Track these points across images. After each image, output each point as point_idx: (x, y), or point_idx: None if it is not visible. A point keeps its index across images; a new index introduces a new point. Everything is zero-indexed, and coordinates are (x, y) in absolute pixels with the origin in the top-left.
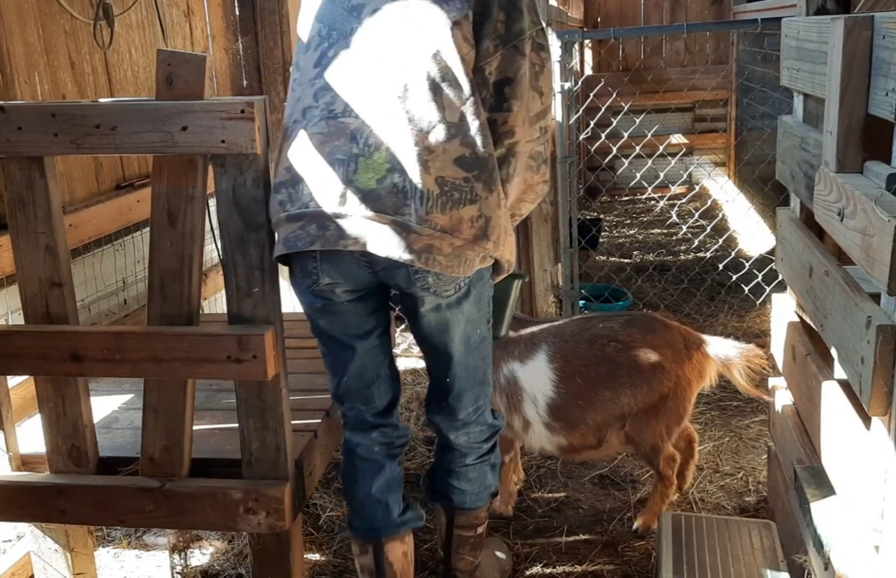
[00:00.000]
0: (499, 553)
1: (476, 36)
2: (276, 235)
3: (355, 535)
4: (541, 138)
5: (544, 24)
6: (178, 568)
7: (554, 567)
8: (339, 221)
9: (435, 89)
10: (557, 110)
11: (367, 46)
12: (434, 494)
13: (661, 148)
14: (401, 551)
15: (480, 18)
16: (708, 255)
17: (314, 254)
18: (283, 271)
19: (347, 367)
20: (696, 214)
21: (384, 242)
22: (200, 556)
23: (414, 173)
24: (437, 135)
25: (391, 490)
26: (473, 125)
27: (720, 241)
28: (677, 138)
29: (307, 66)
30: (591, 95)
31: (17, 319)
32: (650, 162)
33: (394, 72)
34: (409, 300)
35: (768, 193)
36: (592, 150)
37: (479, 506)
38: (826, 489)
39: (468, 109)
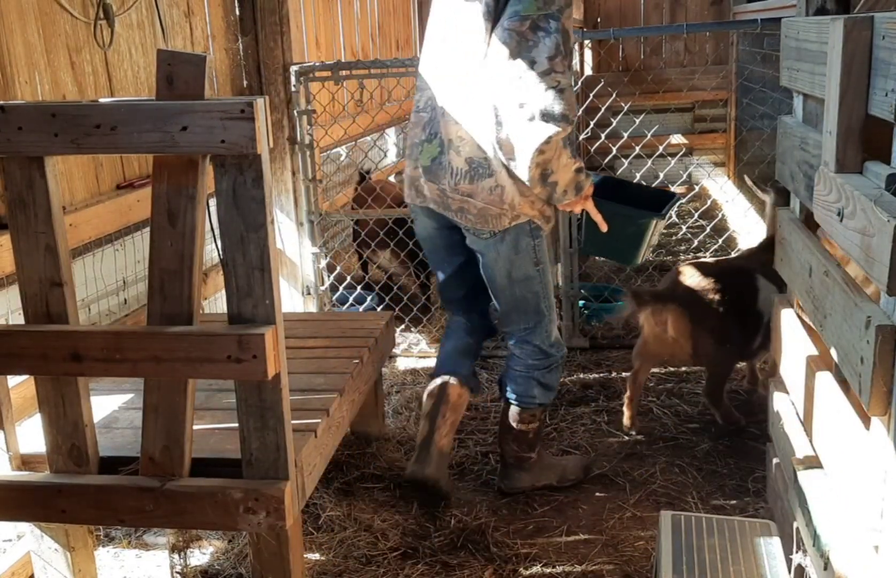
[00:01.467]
0: (572, 470)
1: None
2: None
3: (432, 377)
4: (530, 100)
5: (553, 11)
6: (178, 568)
7: (554, 567)
8: (418, 187)
9: (469, 97)
10: None
11: (437, 55)
12: (500, 387)
13: (661, 148)
14: (457, 392)
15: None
16: (708, 255)
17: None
18: (283, 272)
19: (439, 277)
20: (696, 215)
21: (436, 203)
22: (200, 556)
23: (446, 157)
24: (467, 126)
25: (461, 355)
26: (491, 117)
27: (720, 241)
28: (677, 139)
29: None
30: (591, 95)
31: (18, 318)
32: (650, 162)
33: (446, 79)
34: (456, 242)
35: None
36: (592, 150)
37: (521, 406)
38: (825, 489)
39: (489, 106)
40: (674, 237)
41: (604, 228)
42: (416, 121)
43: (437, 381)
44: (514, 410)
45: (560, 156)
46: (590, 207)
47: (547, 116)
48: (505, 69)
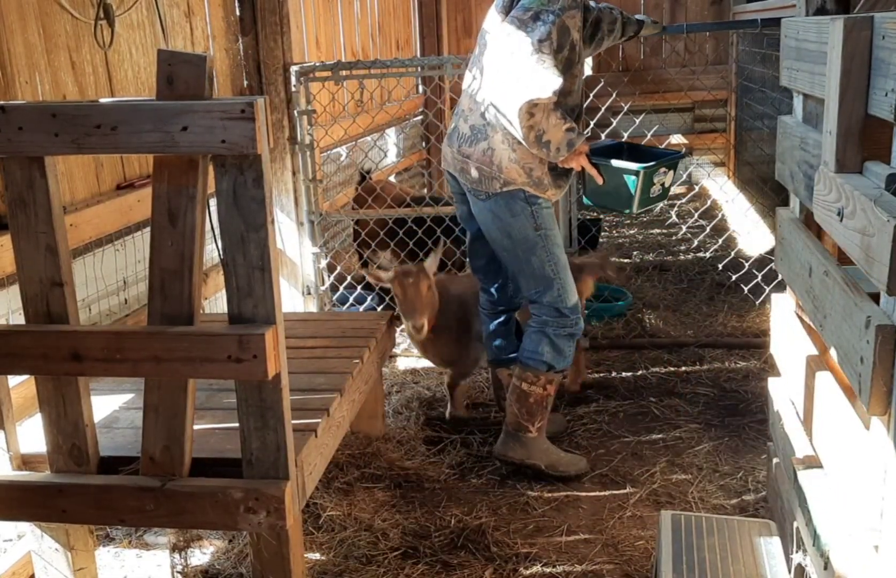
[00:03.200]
0: (566, 465)
1: None
2: None
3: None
4: (520, 72)
5: (556, 8)
6: (179, 568)
7: (554, 567)
8: (444, 152)
9: (483, 77)
10: None
11: (477, 53)
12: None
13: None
14: (505, 373)
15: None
16: (707, 255)
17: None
18: (283, 272)
19: (468, 244)
20: (696, 215)
21: (451, 165)
22: (201, 555)
23: (460, 123)
24: (478, 99)
25: (497, 336)
26: (492, 87)
27: (720, 241)
28: (677, 139)
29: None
30: (591, 95)
31: (18, 318)
32: None
33: (472, 67)
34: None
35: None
36: None
37: (528, 362)
38: (825, 488)
39: (490, 78)
40: (674, 237)
41: (599, 180)
42: (459, 102)
43: (494, 371)
44: (520, 367)
45: (549, 118)
46: (584, 162)
47: (531, 86)
48: (503, 45)
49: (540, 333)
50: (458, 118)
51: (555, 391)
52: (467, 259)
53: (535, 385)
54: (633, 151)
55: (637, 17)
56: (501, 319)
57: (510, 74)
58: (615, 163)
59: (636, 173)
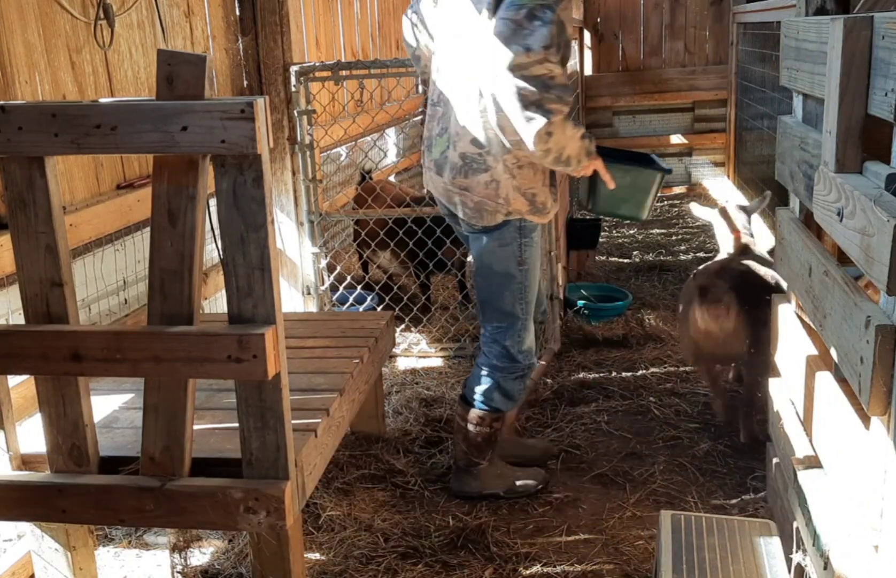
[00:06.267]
0: (522, 480)
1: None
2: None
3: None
4: (527, 84)
5: (550, 2)
6: (179, 568)
7: (554, 567)
8: (431, 179)
9: (468, 94)
10: None
11: (445, 50)
12: (464, 386)
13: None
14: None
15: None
16: (708, 255)
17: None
18: (283, 272)
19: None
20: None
21: (441, 194)
22: (200, 555)
23: (450, 151)
24: (463, 122)
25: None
26: (489, 105)
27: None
28: (677, 138)
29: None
30: (592, 95)
31: (18, 319)
32: None
33: (452, 74)
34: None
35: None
36: None
37: (477, 406)
38: (825, 488)
39: (487, 96)
40: (674, 237)
41: (611, 185)
42: (431, 114)
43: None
44: (466, 408)
45: (565, 131)
46: (599, 166)
47: (544, 105)
48: (501, 57)
49: (489, 377)
50: (444, 143)
51: (502, 425)
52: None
53: (481, 426)
54: (602, 152)
55: None
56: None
57: (516, 97)
58: (628, 166)
59: (654, 174)
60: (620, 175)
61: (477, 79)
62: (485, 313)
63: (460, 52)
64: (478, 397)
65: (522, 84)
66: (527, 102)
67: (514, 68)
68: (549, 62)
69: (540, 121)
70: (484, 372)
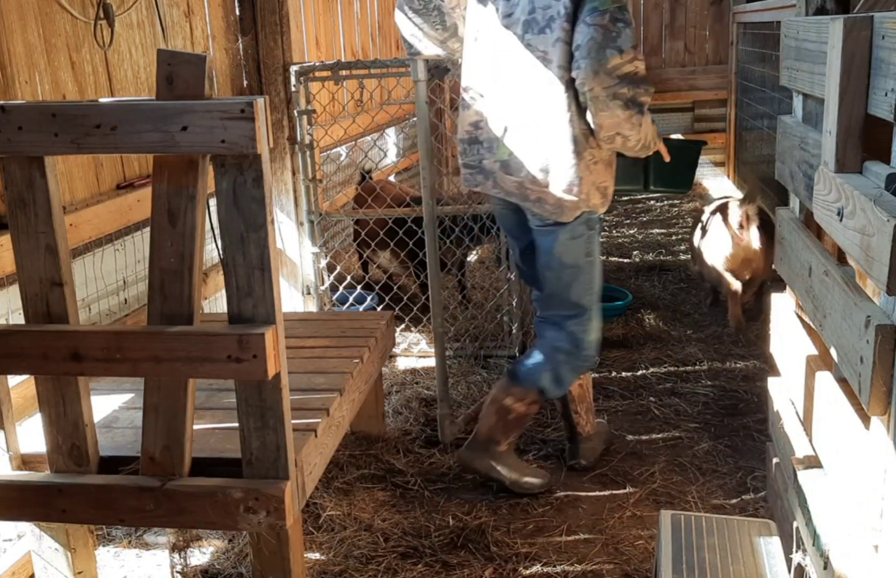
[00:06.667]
0: (529, 478)
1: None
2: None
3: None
4: (621, 83)
5: (623, 3)
6: (179, 567)
7: (553, 567)
8: (495, 179)
9: (550, 98)
10: None
11: (498, 56)
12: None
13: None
14: (576, 385)
15: (576, 12)
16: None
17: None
18: (283, 271)
19: (516, 254)
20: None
21: (512, 194)
22: (200, 555)
23: (525, 152)
24: (545, 125)
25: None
26: (560, 109)
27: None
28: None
29: (469, 59)
30: None
31: (18, 318)
32: None
33: (525, 86)
34: (526, 224)
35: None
36: None
37: (521, 382)
38: (825, 488)
39: (558, 99)
40: (674, 237)
41: (667, 158)
42: (484, 117)
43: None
44: (510, 379)
45: (648, 119)
46: (661, 143)
47: (637, 99)
48: (597, 60)
49: (547, 357)
50: (508, 142)
51: (536, 411)
52: (515, 267)
53: (519, 403)
54: None
55: None
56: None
57: (615, 97)
58: (674, 137)
59: (699, 145)
60: (673, 151)
61: (560, 83)
62: (551, 304)
63: (533, 61)
64: (528, 373)
65: (619, 84)
66: (625, 100)
67: (612, 71)
68: (636, 59)
69: (637, 115)
70: (542, 354)
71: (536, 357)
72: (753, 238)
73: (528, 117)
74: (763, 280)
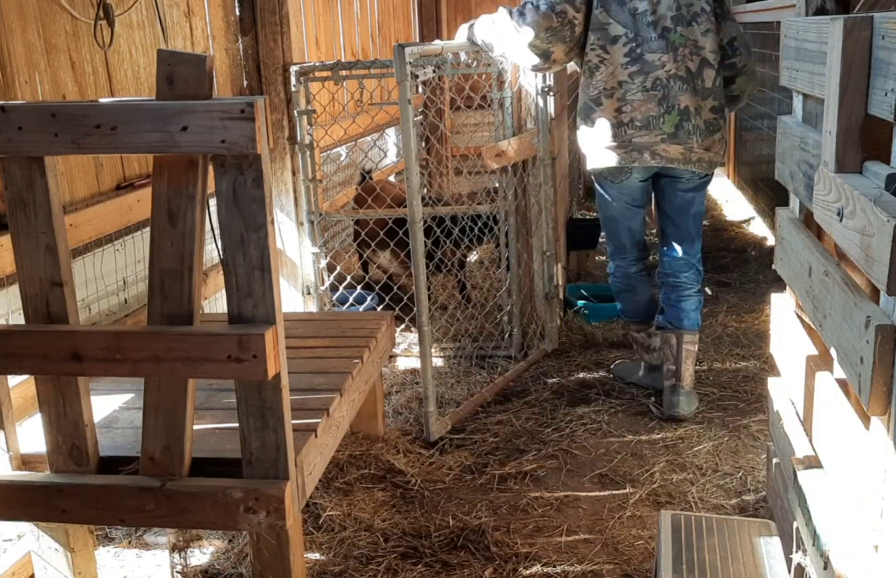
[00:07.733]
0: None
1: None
2: (598, 154)
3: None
4: (748, 54)
5: None
6: (179, 567)
7: (553, 567)
8: (654, 150)
9: (702, 69)
10: (550, 110)
11: (653, 45)
12: (666, 324)
13: None
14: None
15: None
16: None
17: (631, 168)
18: (283, 272)
19: (632, 227)
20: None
21: (677, 160)
22: (200, 555)
23: (689, 122)
24: (705, 95)
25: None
26: (718, 85)
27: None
28: None
29: (618, 55)
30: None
31: (18, 319)
32: None
33: (676, 60)
34: (675, 185)
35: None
36: None
37: (695, 329)
38: (825, 488)
39: (716, 78)
40: None
41: None
42: (644, 99)
43: (664, 335)
44: (690, 333)
45: None
46: None
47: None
48: (740, 39)
49: (697, 298)
50: (675, 117)
51: None
52: (618, 239)
53: (696, 345)
54: None
55: None
56: (651, 290)
57: (747, 62)
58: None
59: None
60: None
61: (714, 55)
62: (695, 246)
63: (694, 39)
64: (695, 319)
65: (745, 46)
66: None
67: (738, 30)
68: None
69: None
70: (694, 295)
71: (695, 303)
72: None
73: (687, 91)
74: None
